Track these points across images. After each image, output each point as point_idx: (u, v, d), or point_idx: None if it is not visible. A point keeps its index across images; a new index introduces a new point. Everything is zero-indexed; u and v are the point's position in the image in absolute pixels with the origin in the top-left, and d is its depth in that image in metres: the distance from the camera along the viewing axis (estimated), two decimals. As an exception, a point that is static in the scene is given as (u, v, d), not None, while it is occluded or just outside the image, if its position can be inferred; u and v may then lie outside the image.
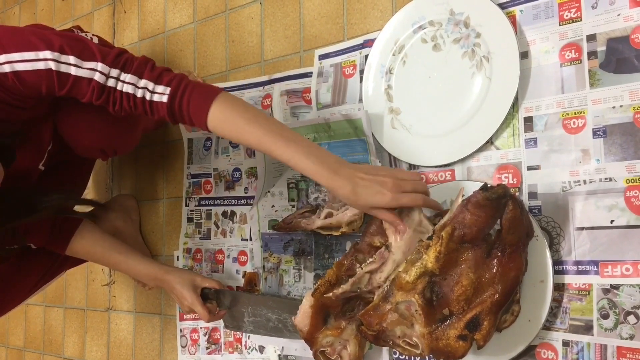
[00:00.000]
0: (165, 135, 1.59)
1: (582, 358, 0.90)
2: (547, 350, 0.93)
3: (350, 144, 1.17)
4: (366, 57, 1.18)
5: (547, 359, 0.93)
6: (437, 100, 1.08)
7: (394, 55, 1.14)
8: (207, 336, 1.42)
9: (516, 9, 1.01)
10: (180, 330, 1.48)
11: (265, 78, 1.38)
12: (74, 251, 1.24)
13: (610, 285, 0.88)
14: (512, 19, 1.01)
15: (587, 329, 0.89)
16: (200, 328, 1.43)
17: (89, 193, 1.68)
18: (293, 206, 1.26)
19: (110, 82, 0.93)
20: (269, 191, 1.30)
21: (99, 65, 0.92)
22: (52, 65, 0.89)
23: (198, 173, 1.49)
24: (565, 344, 0.91)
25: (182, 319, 1.48)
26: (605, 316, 0.88)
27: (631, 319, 0.86)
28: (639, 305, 0.85)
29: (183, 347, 1.47)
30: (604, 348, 0.88)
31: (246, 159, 1.38)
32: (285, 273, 1.26)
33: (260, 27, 1.42)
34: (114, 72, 0.93)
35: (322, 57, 1.27)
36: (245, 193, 1.38)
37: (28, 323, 2.02)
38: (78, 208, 1.42)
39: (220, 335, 1.39)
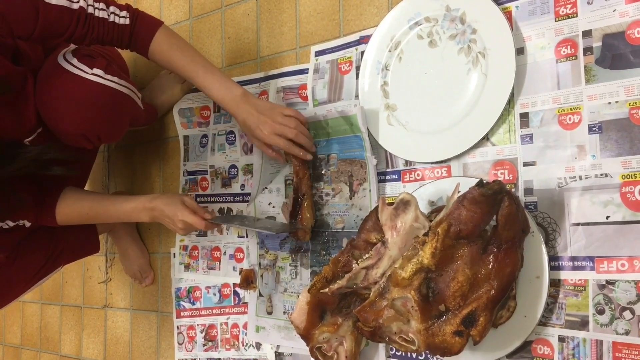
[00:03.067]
0: (161, 133, 1.59)
1: (578, 354, 0.90)
2: (543, 346, 0.93)
3: (346, 141, 1.17)
4: (362, 53, 1.18)
5: (543, 355, 0.93)
6: (433, 96, 1.07)
7: (390, 51, 1.14)
8: (203, 333, 1.42)
9: (512, 5, 1.01)
10: (177, 328, 1.48)
11: (261, 74, 1.37)
12: (63, 215, 1.23)
13: (606, 280, 0.88)
14: (508, 15, 1.00)
15: (583, 324, 0.90)
16: (197, 325, 1.43)
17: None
18: (289, 203, 1.26)
19: (90, 10, 1.06)
20: (265, 188, 1.30)
21: None
22: None
23: (194, 170, 1.48)
24: (561, 339, 0.91)
25: (178, 316, 1.47)
26: (601, 312, 0.88)
27: (627, 314, 0.86)
28: (634, 300, 0.85)
29: (180, 344, 1.47)
30: (599, 343, 0.88)
31: (242, 156, 1.38)
32: (282, 270, 1.26)
33: (256, 24, 1.41)
34: (90, 1, 1.06)
35: (318, 53, 1.27)
36: (242, 190, 1.38)
37: (25, 321, 2.02)
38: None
39: (217, 332, 1.39)
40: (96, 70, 1.10)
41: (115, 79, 1.13)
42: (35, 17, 0.98)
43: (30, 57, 1.11)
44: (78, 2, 1.03)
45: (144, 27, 1.14)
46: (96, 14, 1.07)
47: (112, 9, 1.10)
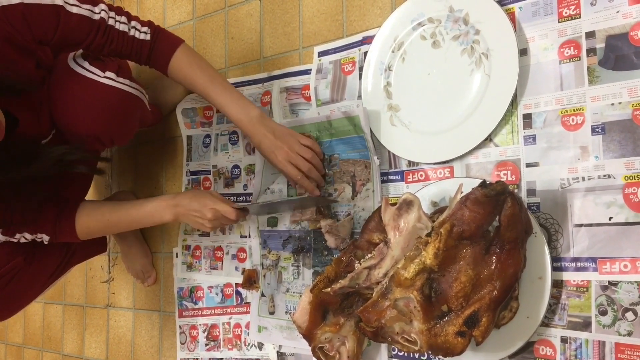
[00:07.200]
0: (164, 132, 1.59)
1: (580, 354, 0.90)
2: (545, 346, 0.93)
3: (350, 141, 1.17)
4: (365, 54, 1.18)
5: (545, 356, 0.93)
6: (436, 97, 1.08)
7: (393, 52, 1.14)
8: (206, 333, 1.42)
9: (515, 6, 1.01)
10: (180, 327, 1.48)
11: (264, 75, 1.38)
12: (84, 226, 1.19)
13: (609, 282, 0.88)
14: (511, 16, 1.00)
15: (585, 325, 0.90)
16: (200, 325, 1.44)
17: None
18: (292, 203, 1.26)
19: (111, 22, 1.06)
20: (268, 188, 1.30)
21: (102, 6, 1.05)
22: (58, 0, 0.97)
23: (197, 170, 1.48)
24: (564, 340, 0.91)
25: (181, 316, 1.48)
26: (603, 313, 0.88)
27: (629, 315, 0.86)
28: (637, 301, 0.85)
29: (182, 343, 1.47)
30: (602, 344, 0.88)
31: (245, 156, 1.39)
32: (284, 270, 1.26)
33: (260, 24, 1.41)
34: (112, 14, 1.07)
35: (322, 54, 1.27)
36: (245, 190, 1.38)
37: (27, 320, 2.02)
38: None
39: (219, 332, 1.39)
40: (108, 74, 1.11)
41: (127, 81, 1.14)
42: (55, 23, 0.99)
43: (43, 59, 1.11)
44: (99, 13, 1.04)
45: (164, 44, 1.14)
46: (116, 27, 1.07)
47: (133, 23, 1.10)
